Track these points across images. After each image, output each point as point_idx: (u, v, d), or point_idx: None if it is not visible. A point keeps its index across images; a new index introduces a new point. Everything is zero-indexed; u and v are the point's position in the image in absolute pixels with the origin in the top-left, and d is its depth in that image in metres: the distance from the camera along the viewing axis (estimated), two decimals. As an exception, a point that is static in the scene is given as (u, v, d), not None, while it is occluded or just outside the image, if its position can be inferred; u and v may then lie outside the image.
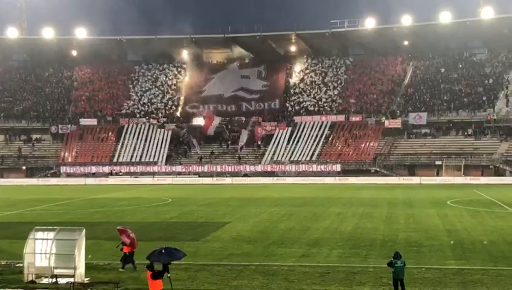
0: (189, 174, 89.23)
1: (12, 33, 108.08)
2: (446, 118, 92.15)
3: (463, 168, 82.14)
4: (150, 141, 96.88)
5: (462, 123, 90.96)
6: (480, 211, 42.82)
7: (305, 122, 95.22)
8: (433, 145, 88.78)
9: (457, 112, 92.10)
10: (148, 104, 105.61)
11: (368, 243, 28.99)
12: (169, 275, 17.58)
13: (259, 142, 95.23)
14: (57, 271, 21.47)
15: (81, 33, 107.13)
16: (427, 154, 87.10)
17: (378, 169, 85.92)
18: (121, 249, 23.85)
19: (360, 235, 31.30)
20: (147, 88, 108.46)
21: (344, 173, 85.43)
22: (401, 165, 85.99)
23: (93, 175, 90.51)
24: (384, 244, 28.40)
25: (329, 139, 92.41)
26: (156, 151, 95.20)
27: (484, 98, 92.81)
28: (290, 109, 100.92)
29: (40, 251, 21.59)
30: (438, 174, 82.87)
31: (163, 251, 18.26)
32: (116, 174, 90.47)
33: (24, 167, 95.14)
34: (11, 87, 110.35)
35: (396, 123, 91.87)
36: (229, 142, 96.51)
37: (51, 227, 23.32)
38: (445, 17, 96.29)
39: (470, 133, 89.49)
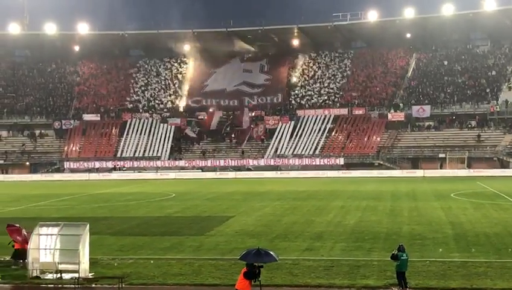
0: (192, 169, 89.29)
1: (14, 29, 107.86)
2: (449, 110, 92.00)
3: (466, 160, 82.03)
4: (153, 136, 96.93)
5: (466, 115, 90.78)
6: (484, 203, 42.76)
7: (308, 116, 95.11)
8: (437, 138, 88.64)
9: (461, 104, 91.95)
10: (151, 98, 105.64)
11: (371, 236, 28.96)
12: (260, 278, 17.07)
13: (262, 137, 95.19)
14: (61, 266, 21.49)
15: (83, 28, 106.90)
16: (431, 147, 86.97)
17: (381, 162, 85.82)
18: (13, 246, 23.65)
19: (364, 229, 31.25)
20: (149, 83, 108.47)
21: (347, 166, 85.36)
22: (405, 158, 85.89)
23: (97, 170, 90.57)
24: (388, 238, 28.35)
25: (332, 132, 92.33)
26: (159, 145, 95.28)
27: (487, 90, 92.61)
28: (292, 102, 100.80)
29: (45, 247, 21.61)
30: (441, 167, 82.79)
31: (262, 251, 17.29)
32: (120, 169, 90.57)
33: (28, 163, 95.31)
34: (14, 83, 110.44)
35: (399, 116, 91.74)
36: (232, 136, 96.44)
37: (55, 222, 23.33)
38: (447, 10, 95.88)
39: (473, 125, 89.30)
